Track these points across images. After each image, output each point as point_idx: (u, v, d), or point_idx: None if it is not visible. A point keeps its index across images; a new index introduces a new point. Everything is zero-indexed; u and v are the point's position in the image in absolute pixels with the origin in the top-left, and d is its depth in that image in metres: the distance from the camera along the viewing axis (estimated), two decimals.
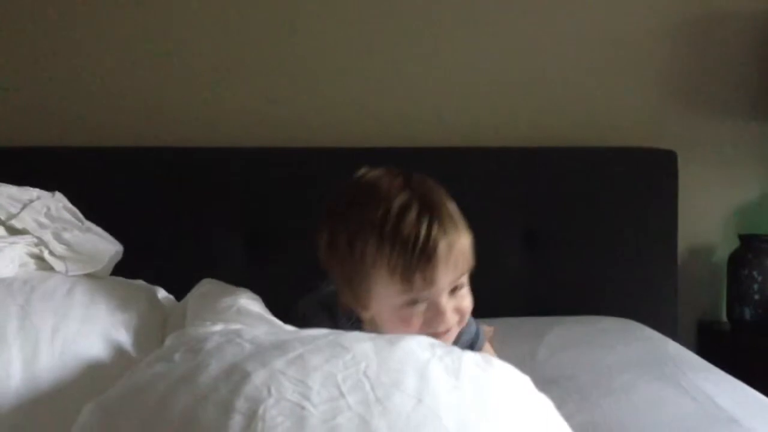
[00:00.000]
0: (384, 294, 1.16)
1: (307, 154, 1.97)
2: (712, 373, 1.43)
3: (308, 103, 2.07)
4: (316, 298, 1.32)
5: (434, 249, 1.12)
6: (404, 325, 1.17)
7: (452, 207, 1.20)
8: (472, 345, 1.33)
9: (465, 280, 1.19)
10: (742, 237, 2.11)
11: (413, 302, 1.15)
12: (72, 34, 2.03)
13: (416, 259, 1.12)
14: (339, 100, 2.08)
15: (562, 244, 1.98)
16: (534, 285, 1.96)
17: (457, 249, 1.15)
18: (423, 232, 1.13)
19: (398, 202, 1.15)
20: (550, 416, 0.92)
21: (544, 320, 1.77)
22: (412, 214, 1.14)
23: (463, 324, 1.22)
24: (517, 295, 1.92)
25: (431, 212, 1.15)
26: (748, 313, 2.07)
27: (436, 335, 1.16)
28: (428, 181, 1.22)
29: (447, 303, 1.16)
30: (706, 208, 2.19)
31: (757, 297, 2.07)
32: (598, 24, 2.14)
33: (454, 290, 1.18)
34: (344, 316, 1.25)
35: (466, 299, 1.20)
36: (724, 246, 2.17)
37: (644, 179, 2.02)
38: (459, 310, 1.19)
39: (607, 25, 2.14)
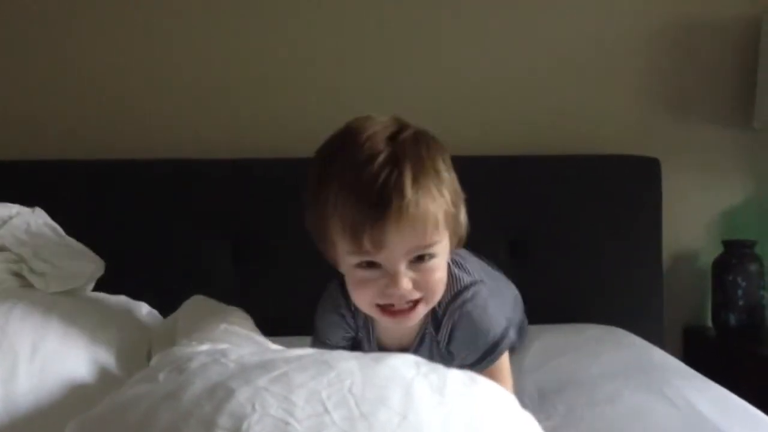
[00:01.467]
0: (341, 250, 1.04)
1: (296, 165, 1.95)
2: (697, 381, 1.43)
3: (295, 113, 2.07)
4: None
5: (386, 206, 0.98)
6: (360, 289, 1.06)
7: (433, 165, 1.04)
8: (492, 350, 1.16)
9: (438, 250, 1.05)
10: (726, 243, 2.12)
11: (369, 264, 1.03)
12: (53, 47, 2.02)
13: (365, 216, 0.98)
14: (327, 110, 2.07)
15: (548, 251, 1.98)
16: (520, 292, 1.95)
17: (418, 211, 0.99)
18: (378, 184, 0.98)
19: (373, 148, 1.01)
20: None
21: (530, 329, 1.77)
22: (377, 162, 0.99)
23: (430, 302, 1.08)
24: None
25: (398, 164, 0.99)
26: (733, 319, 2.08)
27: (394, 312, 1.06)
28: (423, 135, 1.07)
29: (405, 272, 1.03)
30: (689, 214, 2.19)
31: (741, 303, 2.07)
32: (580, 32, 2.14)
33: (420, 259, 1.04)
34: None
35: (434, 273, 1.05)
36: (709, 252, 2.18)
37: (628, 186, 2.03)
38: (421, 284, 1.05)
39: (589, 34, 2.15)
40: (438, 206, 1.03)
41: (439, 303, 1.14)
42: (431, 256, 1.05)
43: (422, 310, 1.09)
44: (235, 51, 2.06)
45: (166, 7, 2.04)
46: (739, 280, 2.07)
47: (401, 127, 1.08)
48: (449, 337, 1.17)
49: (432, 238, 1.03)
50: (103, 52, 2.03)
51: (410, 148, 1.03)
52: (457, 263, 1.19)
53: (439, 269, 1.07)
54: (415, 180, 1.00)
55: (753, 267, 2.08)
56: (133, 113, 2.03)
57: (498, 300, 1.23)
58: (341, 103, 2.07)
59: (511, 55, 2.13)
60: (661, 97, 2.19)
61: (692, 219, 2.20)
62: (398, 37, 2.10)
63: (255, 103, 2.06)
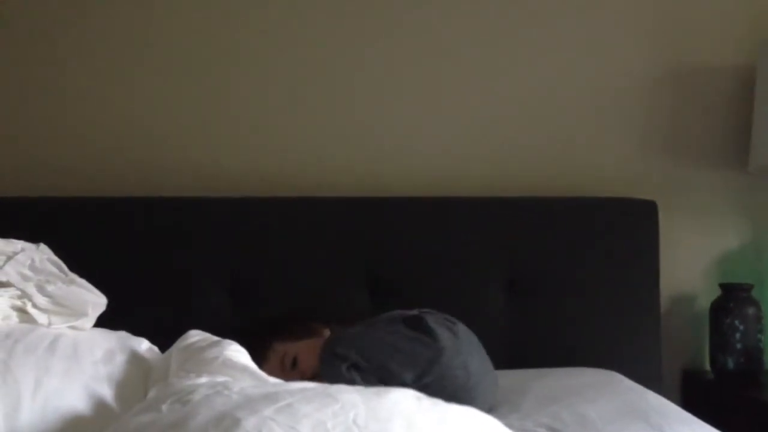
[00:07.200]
0: None
1: (292, 204, 1.98)
2: (694, 425, 1.42)
3: (291, 153, 2.09)
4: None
5: None
6: None
7: None
8: None
9: None
10: (723, 286, 2.12)
11: None
12: (54, 89, 2.04)
13: None
14: (325, 149, 2.10)
15: (544, 294, 1.98)
16: (516, 335, 1.95)
17: None
18: None
19: None
20: None
21: (526, 373, 1.75)
22: None
23: None
24: (499, 345, 1.88)
25: None
26: (731, 363, 2.07)
27: None
28: None
29: None
30: (687, 257, 2.20)
31: (739, 346, 2.07)
32: (577, 77, 2.18)
33: None
34: None
35: None
36: (706, 295, 2.18)
37: (625, 229, 2.04)
38: None
39: (587, 78, 2.18)
40: None
41: None
42: None
43: None
44: (227, 92, 2.08)
45: (165, 53, 2.07)
46: (737, 323, 2.07)
47: None
48: None
49: None
50: (103, 92, 2.05)
51: None
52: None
53: None
54: None
55: (751, 310, 2.08)
56: (132, 152, 2.05)
57: None
58: (337, 145, 2.10)
59: (509, 99, 2.16)
60: (657, 140, 2.21)
61: (689, 262, 2.21)
62: (397, 79, 2.13)
63: (251, 144, 2.08)
